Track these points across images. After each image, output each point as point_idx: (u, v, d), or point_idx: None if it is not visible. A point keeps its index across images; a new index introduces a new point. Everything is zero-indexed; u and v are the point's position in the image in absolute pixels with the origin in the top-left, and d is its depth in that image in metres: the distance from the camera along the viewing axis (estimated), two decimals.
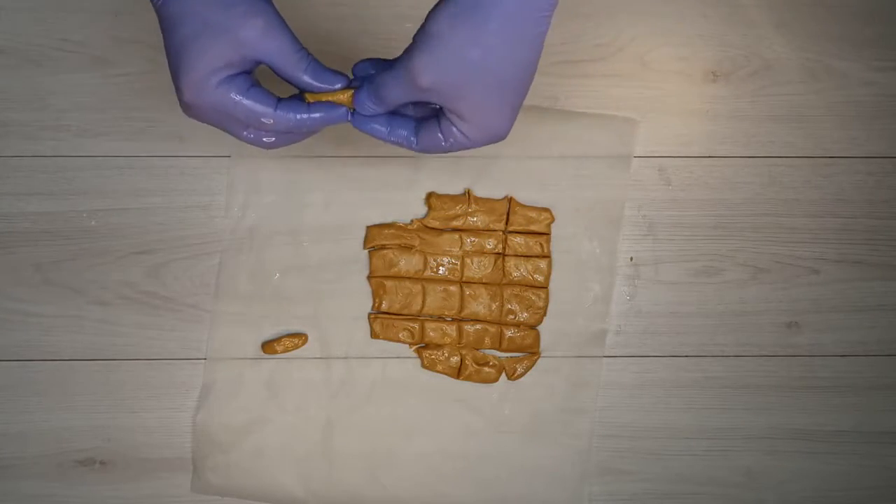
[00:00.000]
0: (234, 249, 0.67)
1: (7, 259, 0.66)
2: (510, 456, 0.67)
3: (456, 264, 0.67)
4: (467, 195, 0.67)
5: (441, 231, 0.67)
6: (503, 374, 0.67)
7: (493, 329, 0.67)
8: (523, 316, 0.67)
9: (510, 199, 0.67)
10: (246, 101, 0.47)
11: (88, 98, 0.67)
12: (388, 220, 0.67)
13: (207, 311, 0.67)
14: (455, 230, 0.67)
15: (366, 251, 0.67)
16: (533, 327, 0.67)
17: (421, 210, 0.67)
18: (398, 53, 0.67)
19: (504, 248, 0.67)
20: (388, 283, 0.66)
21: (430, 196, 0.67)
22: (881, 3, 0.69)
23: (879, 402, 0.68)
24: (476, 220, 0.67)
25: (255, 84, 0.48)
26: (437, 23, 0.44)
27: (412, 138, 0.50)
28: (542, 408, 0.67)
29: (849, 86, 0.68)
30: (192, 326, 0.67)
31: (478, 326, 0.67)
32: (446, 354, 0.67)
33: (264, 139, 0.50)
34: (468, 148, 0.49)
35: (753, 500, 0.68)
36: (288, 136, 0.51)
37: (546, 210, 0.67)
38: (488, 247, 0.67)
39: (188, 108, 0.48)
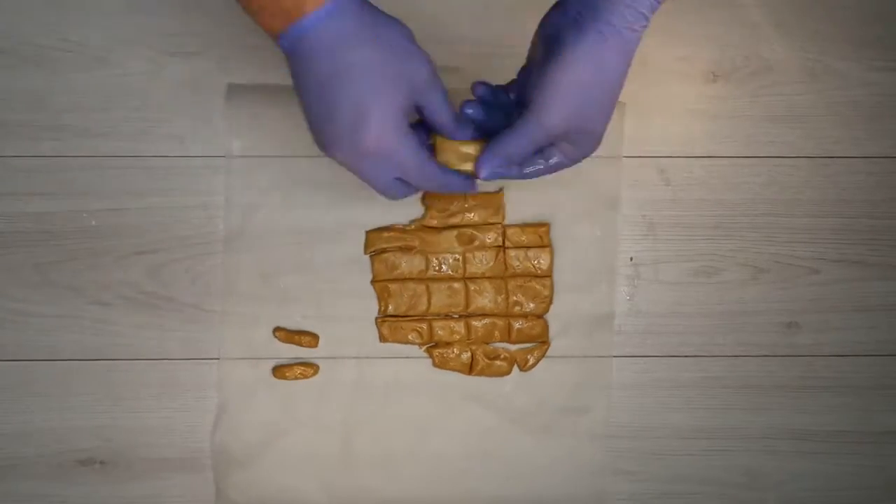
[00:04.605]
0: (234, 250, 0.67)
1: (7, 259, 0.66)
2: (528, 448, 0.67)
3: (458, 261, 0.67)
4: None
5: (440, 229, 0.67)
6: (515, 366, 0.67)
7: (501, 322, 0.67)
8: (529, 306, 0.67)
9: (502, 207, 0.67)
10: (424, 151, 0.50)
11: (88, 98, 0.67)
12: (387, 222, 0.67)
13: (207, 310, 0.67)
14: (454, 227, 0.67)
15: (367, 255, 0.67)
16: (540, 316, 0.67)
17: (418, 211, 0.67)
18: None
19: (504, 241, 0.67)
20: (393, 286, 0.66)
21: (425, 195, 0.67)
22: (881, 3, 0.69)
23: (879, 402, 0.68)
24: (473, 216, 0.67)
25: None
26: (561, 75, 0.47)
27: (514, 169, 0.53)
28: (557, 396, 0.67)
29: (849, 86, 0.68)
30: (191, 326, 0.67)
31: (486, 321, 0.67)
32: (457, 351, 0.67)
33: (400, 189, 0.53)
34: (568, 166, 0.53)
35: (753, 500, 0.68)
36: (413, 190, 0.54)
37: (543, 225, 0.67)
38: (488, 241, 0.67)
39: (357, 154, 0.49)
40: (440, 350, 0.67)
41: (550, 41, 0.48)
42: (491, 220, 0.67)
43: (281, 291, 0.67)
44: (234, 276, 0.67)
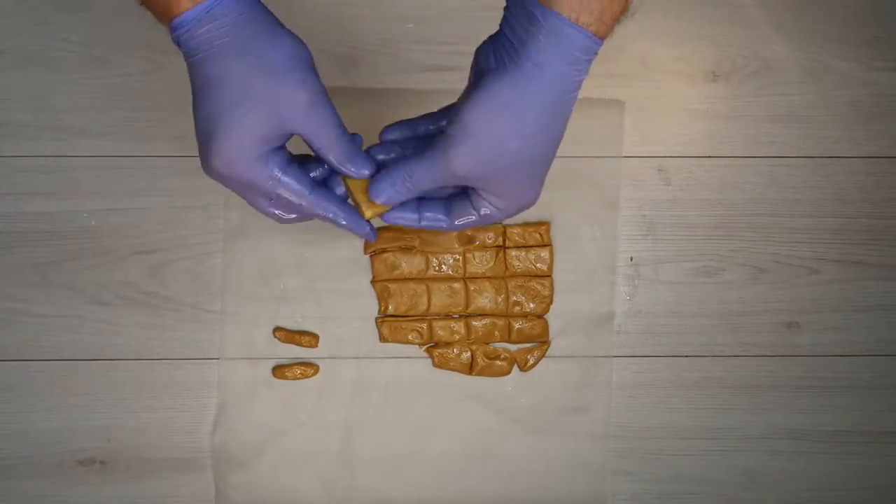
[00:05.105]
0: (234, 250, 0.67)
1: (7, 259, 0.66)
2: (528, 448, 0.67)
3: (458, 261, 0.67)
4: None
5: None
6: (515, 366, 0.67)
7: (501, 322, 0.67)
8: (530, 306, 0.67)
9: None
10: (284, 179, 0.46)
11: (88, 98, 0.67)
12: None
13: (207, 310, 0.67)
14: None
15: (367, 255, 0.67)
16: (540, 316, 0.67)
17: None
18: (398, 54, 0.68)
19: (504, 241, 0.67)
20: (393, 286, 0.66)
21: None
22: (880, 3, 0.69)
23: (879, 402, 0.68)
24: None
25: (292, 162, 0.47)
26: (476, 116, 0.43)
27: (443, 220, 0.50)
28: (557, 396, 0.67)
29: (849, 86, 0.68)
30: (191, 326, 0.67)
31: (486, 321, 0.67)
32: (457, 351, 0.67)
33: (282, 215, 0.49)
34: (501, 220, 0.49)
35: (753, 500, 0.68)
36: (306, 217, 0.50)
37: (543, 224, 0.67)
38: (488, 241, 0.67)
39: (214, 175, 0.45)
40: (440, 350, 0.67)
41: (479, 77, 0.45)
42: None
43: (281, 291, 0.67)
44: (234, 276, 0.67)
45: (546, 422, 0.67)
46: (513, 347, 0.67)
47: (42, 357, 0.67)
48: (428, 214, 0.50)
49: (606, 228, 0.68)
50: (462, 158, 0.44)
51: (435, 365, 0.67)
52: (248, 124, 0.43)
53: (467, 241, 0.67)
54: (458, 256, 0.67)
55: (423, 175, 0.46)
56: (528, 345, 0.67)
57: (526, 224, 0.67)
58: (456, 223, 0.50)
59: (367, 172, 0.48)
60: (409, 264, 0.66)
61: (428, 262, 0.67)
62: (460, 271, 0.67)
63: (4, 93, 0.67)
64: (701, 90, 0.68)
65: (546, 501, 0.67)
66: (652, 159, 0.68)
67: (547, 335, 0.67)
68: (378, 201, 0.48)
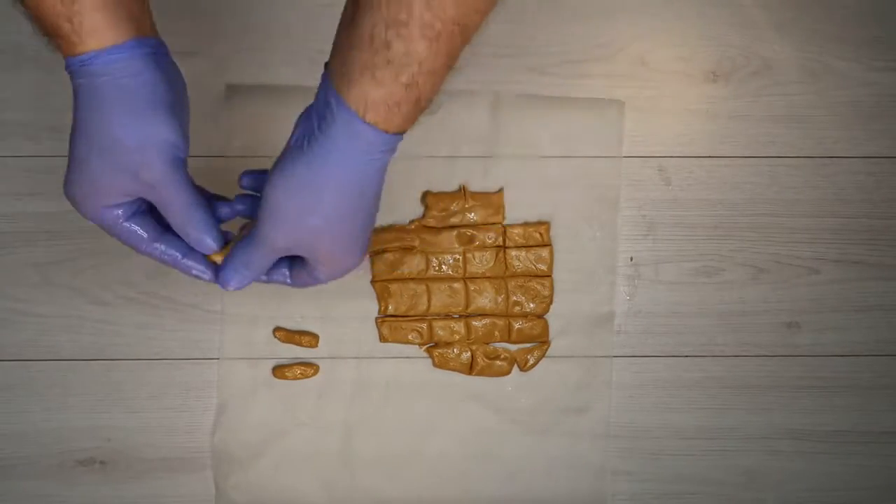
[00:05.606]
0: None
1: (7, 259, 0.66)
2: (528, 448, 0.67)
3: (458, 261, 0.67)
4: (463, 191, 0.67)
5: (440, 229, 0.67)
6: (515, 366, 0.67)
7: (501, 322, 0.67)
8: (530, 306, 0.67)
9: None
10: (124, 226, 0.47)
11: None
12: (387, 222, 0.67)
13: (207, 310, 0.67)
14: (454, 227, 0.67)
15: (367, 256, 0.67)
16: (540, 316, 0.67)
17: (418, 210, 0.67)
18: None
19: (504, 241, 0.67)
20: (393, 286, 0.66)
21: (425, 195, 0.67)
22: (880, 3, 0.69)
23: (879, 402, 0.68)
24: (474, 216, 0.67)
25: (139, 213, 0.48)
26: (276, 195, 0.44)
27: (287, 278, 0.51)
28: (557, 396, 0.67)
29: (849, 86, 0.68)
30: (191, 326, 0.67)
31: (486, 321, 0.67)
32: (457, 351, 0.67)
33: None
34: (329, 281, 0.50)
35: (753, 500, 0.68)
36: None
37: (543, 224, 0.67)
38: (488, 241, 0.67)
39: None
40: (440, 350, 0.67)
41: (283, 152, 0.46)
42: (491, 220, 0.67)
43: (281, 291, 0.67)
44: None
45: (546, 422, 0.67)
46: (513, 347, 0.67)
47: (42, 357, 0.67)
48: (275, 275, 0.51)
49: (606, 228, 0.68)
50: (275, 235, 0.45)
51: (435, 365, 0.67)
52: (91, 182, 0.45)
53: (467, 241, 0.67)
54: (458, 256, 0.67)
55: (256, 257, 0.47)
56: (528, 345, 0.67)
57: (526, 224, 0.67)
58: (296, 283, 0.51)
59: (214, 247, 0.48)
60: (409, 264, 0.66)
61: (428, 262, 0.67)
62: (460, 271, 0.67)
63: (4, 93, 0.66)
64: (701, 90, 0.68)
65: (546, 501, 0.67)
66: (652, 159, 0.68)
67: (547, 335, 0.67)
68: (229, 289, 0.49)
